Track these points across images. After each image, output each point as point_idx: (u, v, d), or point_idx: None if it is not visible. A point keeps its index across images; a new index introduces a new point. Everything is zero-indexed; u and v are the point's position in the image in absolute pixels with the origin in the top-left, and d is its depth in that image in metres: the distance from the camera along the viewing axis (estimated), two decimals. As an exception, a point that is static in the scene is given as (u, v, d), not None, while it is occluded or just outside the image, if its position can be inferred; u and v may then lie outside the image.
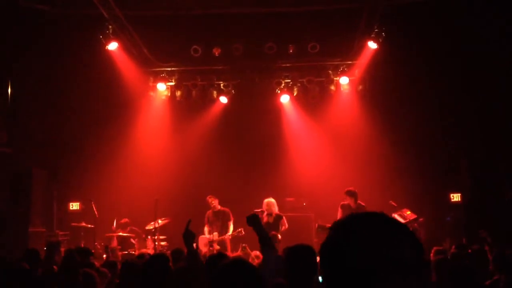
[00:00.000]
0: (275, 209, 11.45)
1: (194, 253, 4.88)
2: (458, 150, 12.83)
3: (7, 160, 12.03)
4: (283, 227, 11.37)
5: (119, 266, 7.41)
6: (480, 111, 12.68)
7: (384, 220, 1.44)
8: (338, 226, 1.45)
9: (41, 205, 12.56)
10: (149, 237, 12.05)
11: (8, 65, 12.41)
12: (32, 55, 12.57)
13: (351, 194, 11.13)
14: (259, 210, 11.08)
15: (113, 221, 12.03)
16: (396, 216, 11.49)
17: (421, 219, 11.59)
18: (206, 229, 11.96)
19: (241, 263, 3.04)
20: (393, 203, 11.85)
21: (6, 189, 11.87)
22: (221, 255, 5.10)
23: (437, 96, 12.97)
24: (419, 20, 12.10)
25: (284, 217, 11.52)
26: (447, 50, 12.36)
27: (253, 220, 4.70)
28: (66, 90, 13.22)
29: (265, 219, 11.23)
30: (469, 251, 7.57)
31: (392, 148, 13.08)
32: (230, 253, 10.24)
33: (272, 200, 11.50)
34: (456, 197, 12.68)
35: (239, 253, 10.41)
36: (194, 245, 9.24)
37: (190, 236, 4.88)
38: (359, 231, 1.40)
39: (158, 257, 4.86)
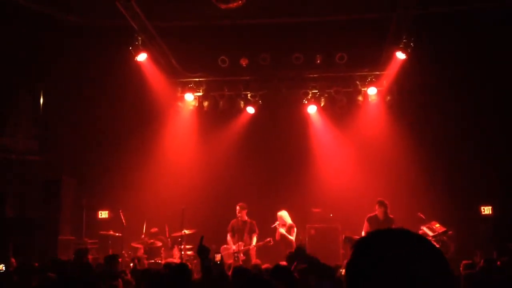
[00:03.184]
0: (289, 220, 11.92)
1: (209, 268, 4.87)
2: (489, 161, 12.57)
3: (38, 168, 12.27)
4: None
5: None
6: (511, 121, 12.41)
7: (408, 238, 1.41)
8: (360, 244, 1.44)
9: (70, 213, 12.76)
10: (175, 246, 12.10)
11: (40, 76, 12.69)
12: (64, 66, 12.82)
13: (382, 204, 11.09)
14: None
15: (143, 227, 12.15)
16: (424, 228, 11.31)
17: (450, 232, 11.37)
18: (229, 238, 11.95)
19: (260, 281, 3.02)
20: (421, 216, 11.67)
21: (36, 197, 12.09)
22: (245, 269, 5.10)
23: (466, 107, 12.75)
24: (448, 30, 11.96)
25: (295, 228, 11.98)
26: (476, 60, 12.16)
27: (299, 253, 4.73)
28: (96, 100, 13.43)
29: (284, 230, 11.66)
30: (498, 263, 7.41)
31: (421, 159, 12.90)
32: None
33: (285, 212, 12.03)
34: (487, 210, 12.42)
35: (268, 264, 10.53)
36: (219, 256, 9.24)
37: (205, 251, 4.87)
38: (381, 250, 1.38)
39: (180, 268, 4.87)
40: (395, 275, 1.32)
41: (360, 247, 1.43)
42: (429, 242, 1.42)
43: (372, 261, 1.37)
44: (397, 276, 1.32)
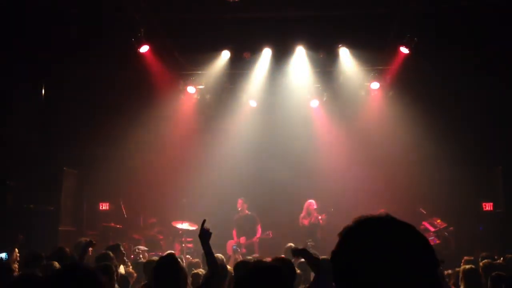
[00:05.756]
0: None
1: (210, 253, 4.84)
2: (491, 157, 12.55)
3: (39, 159, 12.26)
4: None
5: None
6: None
7: (392, 225, 1.40)
8: (346, 233, 1.43)
9: (71, 204, 12.78)
10: (176, 238, 12.12)
11: (42, 68, 12.65)
12: (65, 57, 12.76)
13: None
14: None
15: (141, 219, 12.21)
16: (426, 224, 11.33)
17: (451, 228, 11.39)
18: (234, 233, 12.03)
19: (271, 269, 2.99)
20: (423, 211, 11.70)
21: (37, 188, 12.09)
22: (248, 262, 5.05)
23: (470, 103, 12.71)
24: (452, 25, 11.86)
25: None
26: (480, 56, 12.07)
27: (301, 253, 4.67)
28: (97, 92, 13.38)
29: (306, 221, 11.79)
30: (501, 260, 7.43)
31: (423, 155, 12.89)
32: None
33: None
34: (488, 206, 12.41)
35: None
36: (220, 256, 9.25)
37: (206, 236, 4.85)
38: (364, 240, 1.37)
39: (167, 258, 4.83)
40: (380, 263, 1.32)
41: (345, 236, 1.42)
42: (413, 228, 1.40)
43: (358, 249, 1.36)
44: (383, 263, 1.31)
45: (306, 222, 11.98)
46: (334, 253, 1.42)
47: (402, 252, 1.33)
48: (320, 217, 11.97)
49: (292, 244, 9.45)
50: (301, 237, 11.53)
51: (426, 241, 1.39)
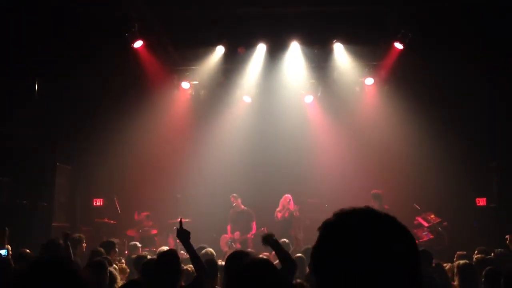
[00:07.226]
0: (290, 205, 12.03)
1: (195, 254, 4.77)
2: (486, 153, 12.57)
3: (32, 155, 12.20)
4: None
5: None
6: (510, 114, 12.39)
7: (370, 217, 1.39)
8: (324, 227, 1.41)
9: (65, 200, 12.74)
10: (170, 235, 12.10)
11: (35, 63, 12.56)
12: (60, 53, 12.68)
13: (377, 196, 11.13)
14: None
15: (135, 215, 12.21)
16: (420, 219, 11.36)
17: (445, 223, 11.42)
18: (228, 228, 12.05)
19: (265, 263, 3.00)
20: (417, 206, 11.72)
21: (31, 185, 12.04)
22: (241, 253, 4.99)
23: (465, 98, 12.73)
24: (447, 20, 11.86)
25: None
26: (476, 51, 12.07)
27: (269, 240, 4.59)
28: (92, 88, 13.31)
29: (279, 215, 11.76)
30: (492, 254, 7.47)
31: (418, 150, 12.91)
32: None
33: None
34: (482, 201, 12.46)
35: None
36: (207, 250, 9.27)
37: (184, 235, 4.76)
38: (342, 232, 1.36)
39: (168, 254, 4.80)
40: (359, 257, 1.31)
41: (326, 230, 1.41)
42: (394, 219, 1.40)
43: (338, 243, 1.35)
44: (362, 257, 1.31)
45: (279, 216, 12.03)
46: (314, 248, 1.41)
47: (381, 246, 1.32)
48: (294, 210, 11.94)
49: (286, 240, 9.45)
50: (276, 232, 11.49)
51: (407, 233, 1.38)
